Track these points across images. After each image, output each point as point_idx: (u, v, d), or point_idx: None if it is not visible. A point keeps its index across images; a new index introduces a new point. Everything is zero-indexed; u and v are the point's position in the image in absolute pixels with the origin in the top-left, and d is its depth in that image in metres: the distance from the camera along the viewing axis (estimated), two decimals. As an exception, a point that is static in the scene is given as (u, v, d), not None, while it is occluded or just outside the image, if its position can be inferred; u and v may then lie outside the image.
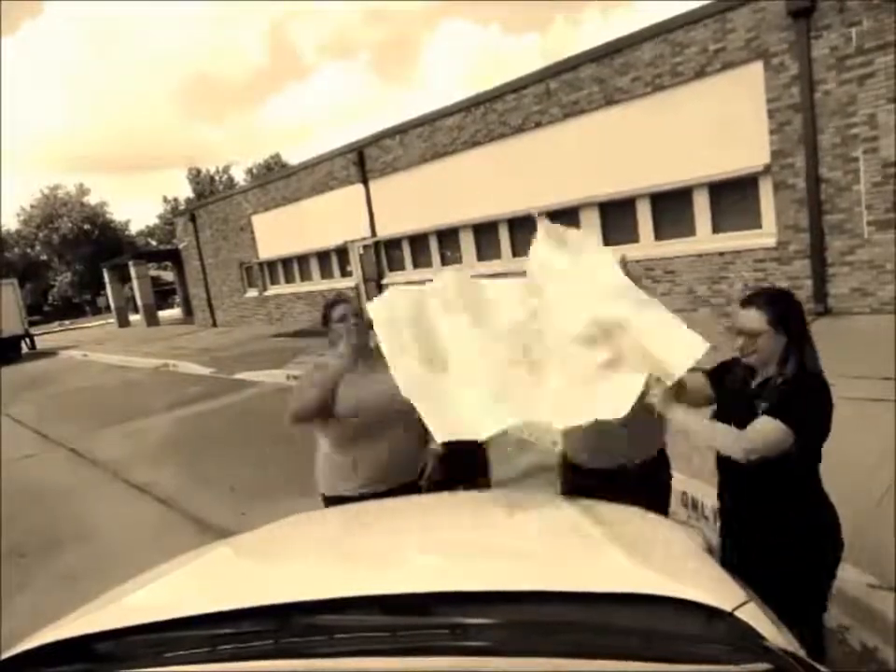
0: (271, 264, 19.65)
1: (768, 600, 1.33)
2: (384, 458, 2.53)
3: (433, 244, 14.22)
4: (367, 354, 2.64)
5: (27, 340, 24.76)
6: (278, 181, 18.41)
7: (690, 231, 9.75)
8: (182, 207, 40.05)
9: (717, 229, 9.47)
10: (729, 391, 2.11)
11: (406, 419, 2.49)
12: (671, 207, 9.89)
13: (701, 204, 9.58)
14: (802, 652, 1.17)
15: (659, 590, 1.24)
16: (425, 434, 2.56)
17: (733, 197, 9.20)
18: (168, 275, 38.51)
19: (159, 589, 1.49)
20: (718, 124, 8.82)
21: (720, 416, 2.05)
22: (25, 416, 10.84)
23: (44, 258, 49.14)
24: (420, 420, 2.56)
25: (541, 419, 1.71)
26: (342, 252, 16.65)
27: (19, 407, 11.88)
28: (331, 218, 16.08)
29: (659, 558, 1.46)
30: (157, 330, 25.14)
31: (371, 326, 2.51)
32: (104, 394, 12.40)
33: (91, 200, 51.03)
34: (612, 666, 1.06)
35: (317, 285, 17.78)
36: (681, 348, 1.77)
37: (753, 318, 1.97)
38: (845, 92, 7.71)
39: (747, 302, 2.03)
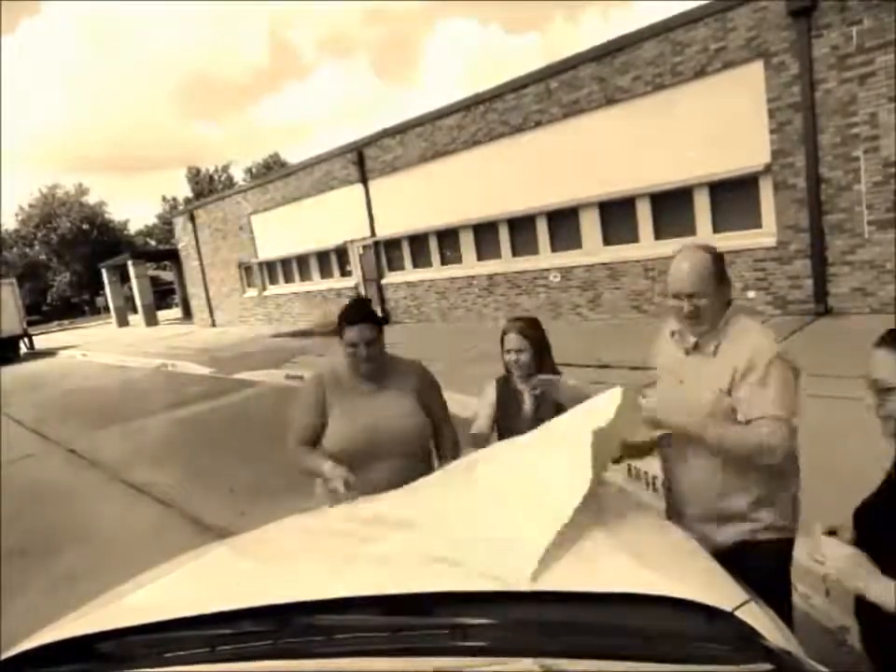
0: (270, 264, 19.64)
1: None
2: (380, 489, 2.14)
3: (433, 244, 14.21)
4: (375, 375, 2.43)
5: (26, 340, 24.75)
6: (277, 181, 18.40)
7: (690, 230, 9.74)
8: (181, 207, 40.03)
9: (717, 228, 9.47)
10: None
11: (407, 448, 2.40)
12: (671, 207, 9.89)
13: (701, 204, 9.58)
14: (801, 652, 1.17)
15: (659, 590, 1.23)
16: (429, 462, 2.53)
17: (733, 197, 9.20)
18: (167, 275, 38.51)
19: (159, 589, 1.49)
20: (718, 124, 8.82)
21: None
22: (24, 416, 10.83)
23: (42, 257, 49.10)
24: (427, 448, 2.51)
25: None
26: (341, 252, 16.64)
27: (18, 407, 11.87)
28: (331, 218, 16.08)
29: (660, 558, 1.46)
30: (156, 330, 25.14)
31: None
32: (103, 394, 12.39)
33: (90, 199, 51.12)
34: (613, 666, 1.06)
35: (317, 285, 17.78)
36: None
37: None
38: (845, 92, 7.71)
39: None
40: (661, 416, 1.93)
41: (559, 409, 2.51)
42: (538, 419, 2.50)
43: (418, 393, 2.48)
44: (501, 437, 2.55)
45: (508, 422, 2.61)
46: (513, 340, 2.57)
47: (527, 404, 2.61)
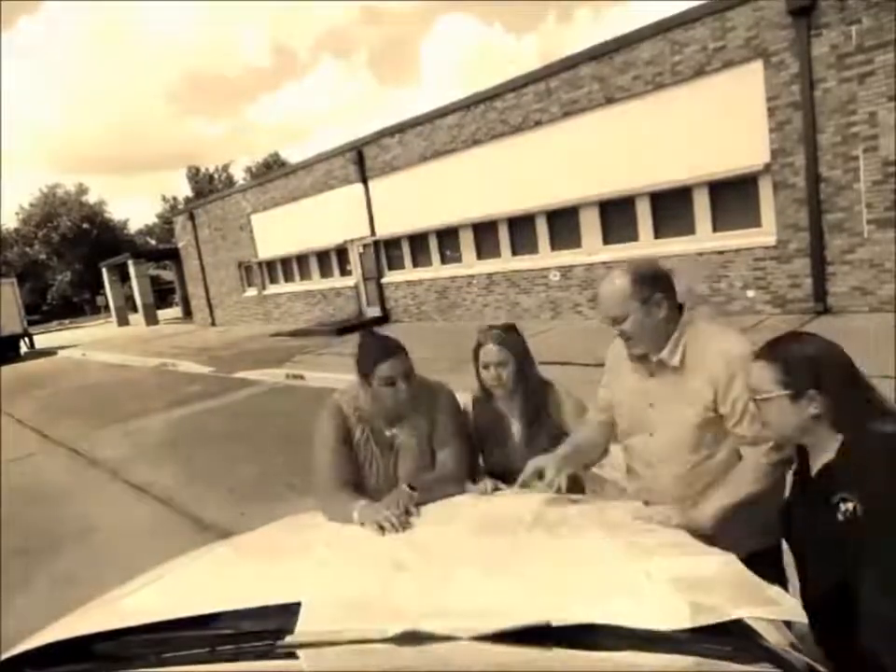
0: (270, 263, 19.64)
1: None
2: None
3: (433, 243, 14.21)
4: (401, 416, 2.13)
5: (26, 339, 24.77)
6: (277, 180, 18.40)
7: (689, 229, 9.74)
8: (181, 206, 40.01)
9: (717, 227, 9.47)
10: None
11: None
12: (671, 206, 9.89)
13: (701, 203, 9.58)
14: (802, 652, 1.17)
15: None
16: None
17: (732, 196, 9.20)
18: (168, 274, 38.49)
19: (159, 589, 1.49)
20: (718, 123, 8.82)
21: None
22: (25, 415, 10.83)
23: (43, 257, 49.08)
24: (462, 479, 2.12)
25: None
26: (341, 251, 16.64)
27: (18, 406, 11.87)
28: (331, 218, 16.07)
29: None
30: (156, 330, 25.13)
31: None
32: (103, 393, 12.39)
33: (90, 199, 51.09)
34: (613, 665, 1.06)
35: (317, 284, 17.78)
36: None
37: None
38: (845, 91, 7.70)
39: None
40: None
41: (556, 437, 2.17)
42: (532, 448, 2.16)
43: (435, 428, 2.13)
44: (488, 468, 2.25)
45: (495, 452, 2.27)
46: (492, 352, 2.19)
47: (516, 430, 2.25)
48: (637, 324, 1.82)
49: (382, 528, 1.68)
